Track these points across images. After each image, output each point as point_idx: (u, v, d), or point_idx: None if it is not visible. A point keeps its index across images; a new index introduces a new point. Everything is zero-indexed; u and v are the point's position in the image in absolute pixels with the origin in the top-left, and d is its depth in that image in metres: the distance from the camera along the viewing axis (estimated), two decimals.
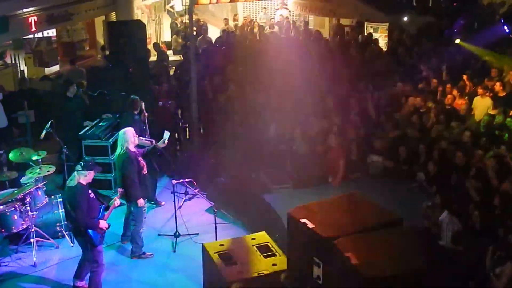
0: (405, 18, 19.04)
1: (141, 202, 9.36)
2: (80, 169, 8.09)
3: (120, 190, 9.20)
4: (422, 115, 12.54)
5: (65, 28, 19.63)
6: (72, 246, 9.74)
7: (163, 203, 11.19)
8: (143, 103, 11.30)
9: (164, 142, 9.95)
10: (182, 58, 18.37)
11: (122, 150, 9.40)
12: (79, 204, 7.96)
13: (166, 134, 9.99)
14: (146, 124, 11.16)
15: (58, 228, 9.93)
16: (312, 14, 22.33)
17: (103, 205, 8.37)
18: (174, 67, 17.84)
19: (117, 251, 9.78)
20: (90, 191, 8.20)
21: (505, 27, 9.35)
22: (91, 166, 8.22)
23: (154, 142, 10.54)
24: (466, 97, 13.22)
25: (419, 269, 5.33)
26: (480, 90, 13.05)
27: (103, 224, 8.15)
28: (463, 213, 9.03)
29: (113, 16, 18.83)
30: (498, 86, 13.22)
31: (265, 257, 7.75)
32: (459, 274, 5.58)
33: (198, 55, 16.15)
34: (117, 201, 8.45)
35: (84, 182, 8.09)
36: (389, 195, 9.87)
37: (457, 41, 14.71)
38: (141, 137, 10.13)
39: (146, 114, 11.27)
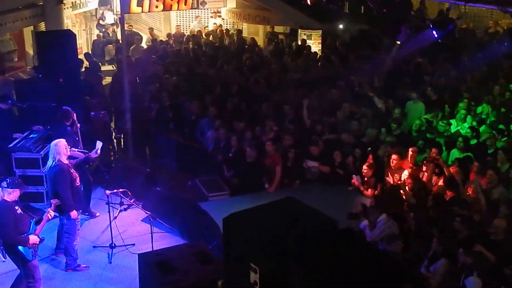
0: (339, 26, 19.37)
1: (74, 214, 9.17)
2: (6, 185, 7.94)
3: (54, 201, 8.93)
4: (357, 120, 12.76)
5: None
6: (4, 261, 9.38)
7: (97, 214, 10.96)
8: (74, 114, 11.09)
9: (96, 152, 9.77)
10: (115, 68, 18.12)
11: (54, 162, 9.21)
12: (4, 222, 7.82)
13: (99, 144, 9.82)
14: (78, 135, 10.96)
15: None
16: (246, 22, 22.44)
17: (34, 219, 8.17)
18: (105, 77, 17.59)
19: (51, 264, 9.53)
20: (17, 207, 8.02)
21: (434, 32, 9.65)
22: (17, 184, 8.07)
23: (87, 153, 10.35)
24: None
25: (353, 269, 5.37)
26: (414, 96, 13.40)
27: (33, 239, 7.96)
28: (399, 215, 9.19)
29: (43, 26, 18.39)
30: (429, 91, 13.60)
31: (202, 264, 7.68)
32: (393, 275, 5.61)
33: (131, 64, 15.97)
34: (50, 213, 8.28)
35: (9, 199, 7.94)
36: (325, 200, 9.95)
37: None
38: (73, 149, 9.90)
39: (78, 125, 11.07)
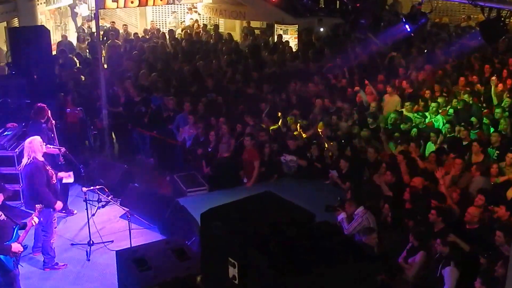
0: (314, 20, 19.45)
1: (59, 205, 9.18)
2: None
3: (38, 207, 8.78)
4: (332, 114, 12.82)
5: None
6: None
7: (75, 211, 10.90)
8: (49, 111, 10.99)
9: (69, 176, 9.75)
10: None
11: (29, 160, 9.12)
12: None
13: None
14: (54, 132, 10.86)
15: None
16: (222, 17, 22.42)
17: (17, 226, 7.86)
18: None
19: (28, 263, 9.42)
20: (0, 213, 7.70)
21: (407, 26, 9.74)
22: (0, 189, 7.79)
23: (62, 149, 10.30)
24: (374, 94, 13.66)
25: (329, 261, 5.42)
26: (388, 89, 13.51)
27: (16, 247, 7.62)
28: (375, 208, 9.26)
29: (16, 22, 18.17)
30: (408, 83, 13.71)
31: (180, 260, 7.67)
32: (367, 266, 5.68)
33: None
34: (34, 219, 8.03)
35: None
36: (303, 193, 9.97)
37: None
38: (48, 145, 9.82)
39: (54, 121, 10.98)
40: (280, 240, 5.43)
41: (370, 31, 11.99)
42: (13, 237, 7.68)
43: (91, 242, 9.78)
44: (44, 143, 9.50)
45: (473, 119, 11.63)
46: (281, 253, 5.31)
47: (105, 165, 12.23)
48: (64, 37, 19.78)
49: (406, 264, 8.17)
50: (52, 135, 10.82)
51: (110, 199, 10.47)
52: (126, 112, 13.70)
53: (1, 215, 7.70)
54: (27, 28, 15.63)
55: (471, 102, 12.70)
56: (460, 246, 7.91)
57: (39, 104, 10.96)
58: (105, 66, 16.15)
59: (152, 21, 23.24)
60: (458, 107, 12.48)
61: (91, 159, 12.61)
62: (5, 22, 18.44)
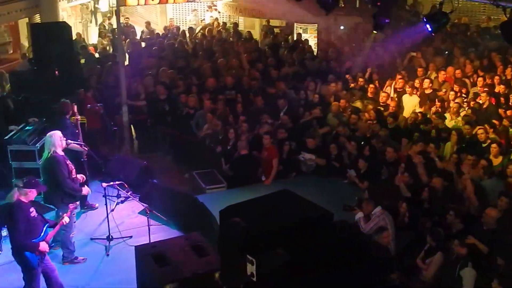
0: (333, 19, 19.39)
1: (86, 190, 9.35)
2: (21, 185, 7.61)
3: (71, 206, 8.87)
4: (352, 114, 12.81)
5: None
6: (0, 253, 9.51)
7: (96, 205, 10.96)
8: (75, 106, 11.06)
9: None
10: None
11: (50, 154, 9.19)
12: (15, 223, 7.47)
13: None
14: (78, 128, 10.91)
15: None
16: (242, 15, 22.44)
17: (47, 224, 7.88)
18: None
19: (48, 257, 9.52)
20: (32, 209, 7.68)
21: (428, 26, 9.67)
22: (34, 184, 7.74)
23: (83, 146, 10.41)
24: (395, 95, 13.63)
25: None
26: (408, 89, 13.47)
27: (43, 246, 7.63)
28: (393, 208, 9.26)
29: (38, 18, 18.35)
30: (427, 83, 13.65)
31: (199, 257, 7.73)
32: (382, 265, 5.72)
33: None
34: (65, 218, 8.08)
35: (24, 200, 7.61)
36: (321, 192, 10.00)
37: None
38: (69, 141, 9.89)
39: (79, 117, 11.02)
40: (298, 239, 5.47)
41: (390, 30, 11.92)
42: (42, 234, 7.71)
43: (110, 237, 9.86)
44: (68, 139, 9.58)
45: (492, 120, 11.57)
46: (299, 251, 5.35)
47: (125, 161, 12.30)
48: (78, 35, 19.91)
49: (423, 264, 8.17)
50: (77, 130, 10.85)
51: (130, 194, 10.56)
52: (149, 109, 13.78)
53: (33, 211, 7.70)
54: (49, 24, 15.77)
55: (490, 103, 12.61)
56: (478, 247, 7.89)
57: (63, 100, 11.00)
58: (126, 62, 16.24)
59: (171, 19, 23.32)
60: (478, 108, 12.42)
61: (111, 155, 12.70)
62: (27, 18, 18.62)
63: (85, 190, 9.33)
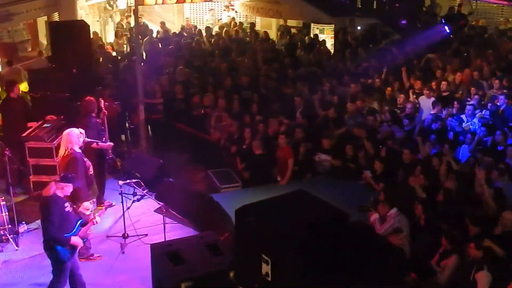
0: (350, 20, 19.40)
1: (86, 205, 9.15)
2: (58, 180, 7.70)
3: (106, 203, 8.92)
4: (367, 115, 12.78)
5: (6, 29, 19.17)
6: (17, 250, 9.59)
7: (113, 203, 11.03)
8: (102, 102, 11.11)
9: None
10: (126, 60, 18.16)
11: (67, 151, 9.24)
12: (49, 216, 7.54)
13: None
14: (105, 125, 10.95)
15: (1, 232, 9.69)
16: (259, 15, 22.47)
17: (81, 220, 7.96)
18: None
19: None
20: (67, 204, 7.77)
21: (446, 28, 9.64)
22: (70, 179, 7.81)
23: (111, 144, 10.59)
24: (414, 96, 13.58)
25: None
26: (426, 91, 13.41)
27: (75, 240, 7.71)
28: (408, 210, 9.23)
29: (56, 17, 18.49)
30: (445, 86, 13.58)
31: (214, 255, 7.75)
32: (399, 267, 5.70)
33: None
34: (97, 218, 8.14)
35: (60, 194, 7.69)
36: (336, 193, 9.97)
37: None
38: (85, 138, 9.93)
39: (106, 112, 11.05)
40: (314, 239, 5.47)
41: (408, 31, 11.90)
42: (74, 230, 7.78)
43: (126, 235, 9.91)
44: (81, 136, 9.63)
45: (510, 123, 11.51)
46: (315, 252, 5.35)
47: (141, 160, 12.35)
48: (96, 33, 20.03)
49: (438, 267, 8.13)
50: (102, 127, 10.89)
51: (145, 193, 10.61)
52: (165, 107, 13.84)
53: (68, 206, 7.79)
54: (67, 23, 15.86)
55: (507, 105, 12.54)
56: (494, 250, 7.85)
57: (88, 98, 11.03)
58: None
59: (187, 18, 23.40)
60: (495, 111, 12.34)
61: (127, 153, 12.77)
62: (46, 17, 18.78)
63: (86, 205, 9.31)
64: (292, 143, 11.76)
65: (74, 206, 8.11)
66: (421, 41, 15.46)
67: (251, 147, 11.79)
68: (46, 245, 7.77)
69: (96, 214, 8.33)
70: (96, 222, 8.14)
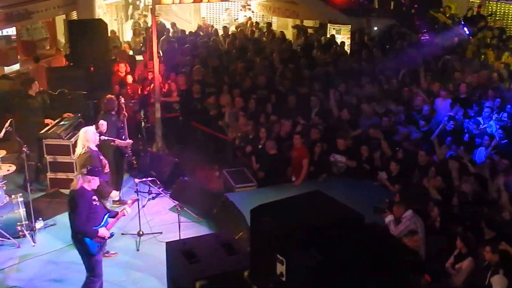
0: (367, 20, 19.34)
1: (114, 194, 9.41)
2: (85, 173, 7.75)
3: (134, 197, 9.00)
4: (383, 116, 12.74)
5: (25, 27, 19.33)
6: (34, 245, 9.68)
7: (129, 201, 11.06)
8: (122, 99, 11.17)
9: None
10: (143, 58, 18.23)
11: (83, 149, 9.33)
12: (77, 209, 7.61)
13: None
14: (124, 123, 11.01)
15: (19, 228, 9.78)
16: (275, 15, 22.46)
17: (109, 213, 8.05)
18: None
19: None
20: (94, 197, 7.84)
21: (465, 29, 9.59)
22: (97, 173, 7.89)
23: (130, 142, 10.71)
24: (432, 98, 13.52)
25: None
26: (442, 93, 13.34)
27: (103, 232, 7.78)
28: (424, 211, 9.20)
29: (74, 15, 18.62)
30: (464, 88, 13.50)
31: (229, 255, 7.76)
32: (413, 267, 5.69)
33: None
34: (127, 209, 8.20)
35: (87, 187, 7.75)
36: (351, 194, 9.94)
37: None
38: (102, 136, 10.01)
39: (126, 114, 11.13)
40: (329, 240, 5.47)
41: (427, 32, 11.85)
42: (103, 223, 7.85)
43: (141, 233, 9.97)
44: (98, 134, 9.71)
45: None
46: (330, 252, 5.36)
47: (156, 158, 12.44)
48: (113, 32, 20.12)
49: (453, 270, 8.09)
50: (122, 124, 10.95)
51: (161, 191, 10.66)
52: (181, 106, 13.89)
53: (96, 199, 7.86)
54: (86, 21, 16.00)
55: None
56: (511, 254, 7.79)
57: (109, 96, 11.11)
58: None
59: (203, 18, 23.45)
60: None
61: (143, 152, 12.85)
62: (64, 15, 18.93)
63: (114, 194, 9.44)
64: (308, 144, 11.74)
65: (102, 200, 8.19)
66: (438, 42, 15.39)
67: (266, 147, 11.79)
68: (75, 238, 7.84)
69: (127, 205, 8.31)
70: (126, 212, 8.20)
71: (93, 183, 7.80)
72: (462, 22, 9.45)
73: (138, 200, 9.20)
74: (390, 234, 8.41)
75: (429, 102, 13.37)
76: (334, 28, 19.81)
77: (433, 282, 7.75)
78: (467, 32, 9.27)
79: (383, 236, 6.42)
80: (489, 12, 12.92)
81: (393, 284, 5.51)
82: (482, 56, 16.00)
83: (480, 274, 7.68)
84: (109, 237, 7.98)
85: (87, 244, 7.72)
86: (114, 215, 8.08)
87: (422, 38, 15.96)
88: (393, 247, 6.03)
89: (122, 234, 10.15)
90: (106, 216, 7.93)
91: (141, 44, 20.01)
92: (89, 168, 7.88)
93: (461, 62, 15.50)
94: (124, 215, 8.22)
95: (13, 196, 9.89)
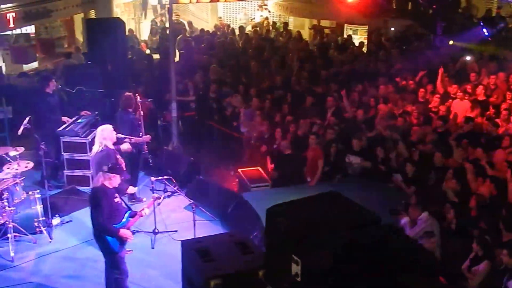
0: (384, 21, 19.26)
1: (131, 189, 9.37)
2: (106, 170, 7.72)
3: (155, 196, 9.04)
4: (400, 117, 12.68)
5: (44, 25, 19.50)
6: (50, 242, 9.76)
7: (144, 199, 11.14)
8: (138, 96, 11.22)
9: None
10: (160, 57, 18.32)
11: (100, 147, 9.38)
12: (98, 207, 7.59)
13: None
14: (141, 121, 11.08)
15: (36, 224, 9.84)
16: (292, 15, 22.44)
17: (130, 211, 8.02)
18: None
19: (95, 247, 9.63)
20: (116, 195, 7.82)
21: (484, 30, 9.51)
22: (118, 170, 7.88)
23: (148, 137, 10.82)
24: (450, 99, 13.44)
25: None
26: (460, 94, 13.25)
27: (123, 233, 7.72)
28: (439, 214, 9.15)
29: (92, 14, 18.76)
30: (480, 90, 13.40)
31: (243, 254, 7.75)
32: (429, 270, 5.65)
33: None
34: (145, 210, 8.16)
35: (108, 185, 7.71)
36: (366, 195, 9.90)
37: (451, 42, 14.87)
38: (119, 135, 10.06)
39: (142, 112, 11.18)
40: (345, 241, 5.46)
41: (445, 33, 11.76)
42: (123, 221, 7.84)
43: (156, 231, 9.99)
44: (120, 134, 9.77)
45: None
46: (346, 253, 5.34)
47: (172, 157, 12.47)
48: (131, 31, 20.24)
49: (469, 273, 8.04)
50: (139, 122, 11.01)
51: (176, 189, 10.69)
52: (197, 105, 13.93)
53: (117, 197, 7.84)
54: (104, 20, 16.13)
55: None
56: None
57: (126, 94, 11.16)
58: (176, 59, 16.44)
59: (220, 18, 23.50)
60: None
61: (159, 150, 12.89)
62: (83, 14, 19.06)
63: (131, 189, 9.46)
64: (323, 144, 11.72)
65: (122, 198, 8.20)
66: (456, 43, 15.28)
67: (281, 146, 11.80)
68: (96, 236, 7.85)
69: (146, 206, 8.32)
70: (145, 213, 8.19)
71: (114, 180, 7.75)
72: (481, 23, 9.37)
73: (159, 198, 9.20)
74: (406, 235, 8.38)
75: (446, 103, 13.29)
76: (351, 29, 19.77)
77: (448, 285, 7.71)
78: (486, 33, 9.18)
79: (400, 238, 6.39)
80: (508, 14, 12.81)
81: (409, 285, 5.49)
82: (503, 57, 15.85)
83: (497, 277, 7.62)
84: (129, 238, 7.89)
85: (108, 242, 7.72)
86: (133, 215, 8.05)
87: (440, 39, 15.83)
88: (410, 249, 6.00)
89: (138, 231, 10.15)
90: (127, 214, 7.91)
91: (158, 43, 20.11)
92: (110, 165, 7.86)
93: (479, 64, 15.37)
94: (142, 216, 8.19)
95: (30, 192, 9.96)
